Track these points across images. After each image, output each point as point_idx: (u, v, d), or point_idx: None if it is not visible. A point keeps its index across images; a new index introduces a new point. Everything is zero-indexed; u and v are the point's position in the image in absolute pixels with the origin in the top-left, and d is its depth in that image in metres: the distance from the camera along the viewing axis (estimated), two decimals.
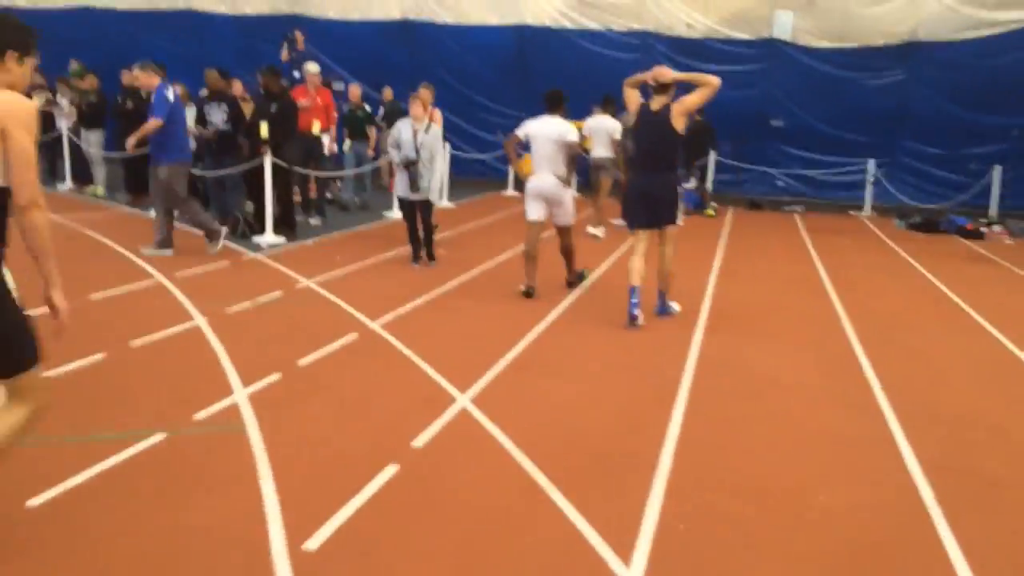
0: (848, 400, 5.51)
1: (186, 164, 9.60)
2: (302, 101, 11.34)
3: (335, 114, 12.40)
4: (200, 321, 6.67)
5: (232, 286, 7.94)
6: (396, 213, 12.55)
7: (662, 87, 7.12)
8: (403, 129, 9.12)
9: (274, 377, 5.42)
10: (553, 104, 8.06)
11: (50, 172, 15.02)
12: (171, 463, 4.13)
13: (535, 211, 8.08)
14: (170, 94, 9.22)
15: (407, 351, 6.08)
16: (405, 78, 20.19)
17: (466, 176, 18.89)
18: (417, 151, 9.01)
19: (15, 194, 2.91)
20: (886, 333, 7.24)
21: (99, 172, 14.10)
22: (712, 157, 17.09)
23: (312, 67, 12.21)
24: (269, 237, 10.35)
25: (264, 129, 10.40)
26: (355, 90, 13.40)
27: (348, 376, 5.55)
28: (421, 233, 9.25)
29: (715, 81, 6.98)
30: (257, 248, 9.96)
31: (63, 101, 14.49)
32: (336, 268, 8.93)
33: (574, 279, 8.59)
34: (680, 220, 7.67)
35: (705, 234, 12.80)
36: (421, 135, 9.05)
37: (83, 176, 14.46)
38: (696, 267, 9.98)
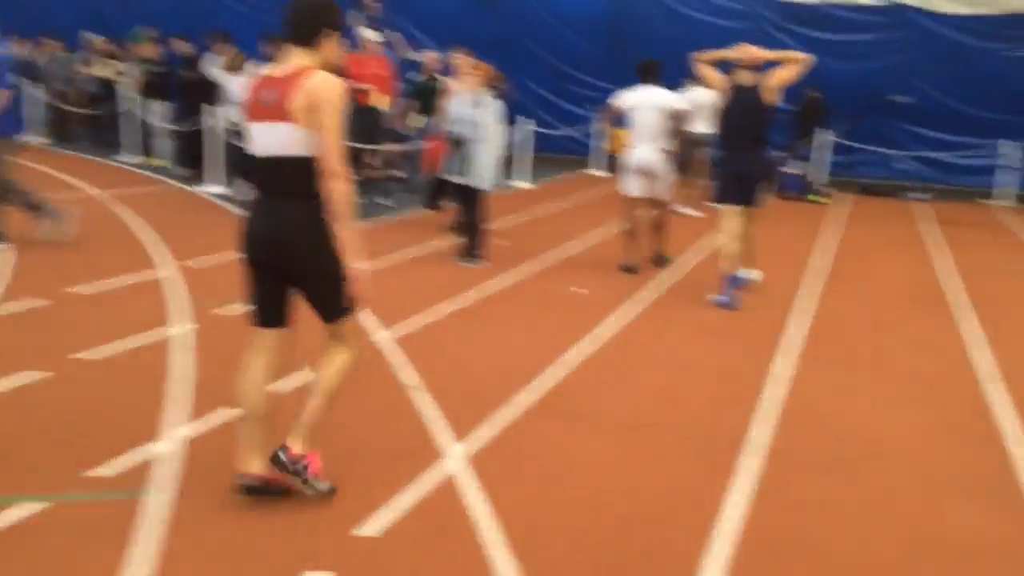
0: (982, 483, 4.08)
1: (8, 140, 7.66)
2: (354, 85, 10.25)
3: (396, 84, 11.21)
4: (177, 329, 5.64)
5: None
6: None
7: (747, 62, 6.87)
8: (459, 102, 7.98)
9: (218, 416, 4.22)
10: (649, 74, 7.76)
11: (113, 143, 14.49)
12: (38, 545, 3.10)
13: (635, 186, 7.83)
14: None
15: (406, 376, 4.95)
16: (490, 48, 19.12)
17: (554, 153, 17.64)
18: (472, 128, 7.82)
19: (324, 162, 3.17)
20: None
21: (163, 144, 13.40)
22: (825, 136, 15.33)
23: (369, 33, 11.10)
24: None
25: None
26: (431, 57, 12.03)
27: None
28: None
29: (806, 59, 6.78)
30: None
31: (130, 69, 13.89)
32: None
33: (659, 259, 8.20)
34: (766, 199, 7.36)
35: (806, 224, 11.21)
36: (477, 109, 7.86)
37: (146, 149, 13.84)
38: (789, 266, 8.51)
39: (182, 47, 12.18)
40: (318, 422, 3.41)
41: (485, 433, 4.24)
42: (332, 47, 3.30)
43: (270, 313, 3.39)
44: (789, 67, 6.78)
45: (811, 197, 13.60)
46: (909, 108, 16.37)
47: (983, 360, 5.86)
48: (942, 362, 5.83)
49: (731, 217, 7.00)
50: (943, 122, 16.19)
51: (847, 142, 16.03)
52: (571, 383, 5.05)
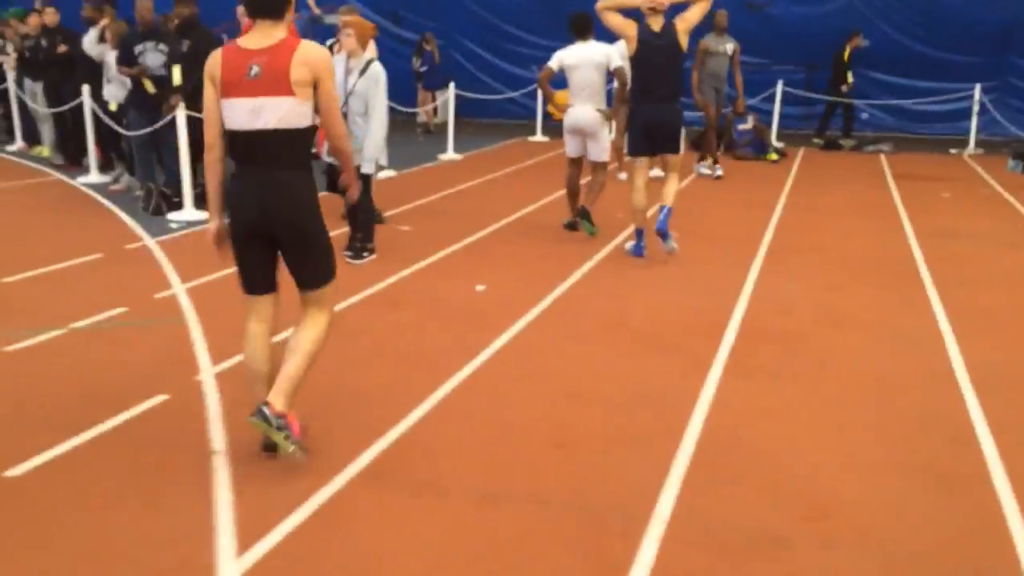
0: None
1: None
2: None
3: None
4: None
5: (66, 297, 5.75)
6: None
7: (656, 7, 6.49)
8: (338, 69, 6.72)
9: None
10: (582, 29, 7.33)
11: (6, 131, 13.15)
12: None
13: (573, 147, 7.59)
14: None
15: (215, 434, 3.81)
16: (422, 6, 17.81)
17: (497, 118, 16.45)
18: (347, 100, 6.59)
19: (329, 133, 3.43)
20: (1012, 367, 4.68)
21: (46, 130, 12.02)
22: (779, 86, 14.19)
23: None
24: (187, 213, 8.15)
25: (176, 73, 8.13)
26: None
27: (84, 498, 3.31)
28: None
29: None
30: (164, 229, 7.77)
31: (7, 46, 12.48)
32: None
33: (583, 211, 7.56)
34: (682, 149, 7.25)
35: (761, 190, 10.08)
36: (355, 77, 6.62)
37: (31, 136, 12.49)
38: (738, 244, 7.40)
39: (50, 18, 10.77)
40: (301, 383, 3.47)
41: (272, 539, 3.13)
42: (344, 38, 3.78)
43: (263, 280, 3.48)
44: (697, 6, 6.52)
45: (767, 156, 12.47)
46: (871, 52, 15.22)
47: (958, 362, 4.80)
48: (906, 366, 4.74)
49: (641, 170, 6.85)
50: (908, 67, 15.09)
51: (805, 93, 14.94)
52: (427, 433, 3.93)
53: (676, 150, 6.86)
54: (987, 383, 4.45)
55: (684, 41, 6.54)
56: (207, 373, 4.49)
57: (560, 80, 7.50)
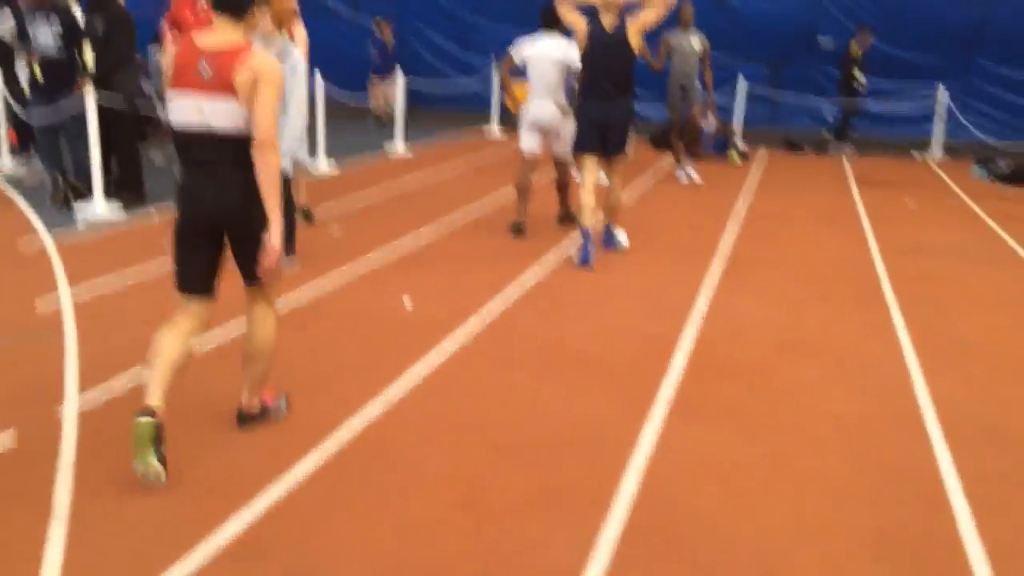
0: None
1: None
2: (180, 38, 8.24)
3: None
4: None
5: None
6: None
7: (609, 4, 6.34)
8: None
9: None
10: (550, 20, 7.02)
11: None
12: None
13: (530, 142, 7.29)
14: None
15: (61, 487, 3.20)
16: None
17: (456, 109, 15.80)
18: None
19: (257, 140, 3.21)
20: (984, 405, 4.21)
21: None
22: (740, 84, 13.72)
23: None
24: (97, 208, 7.46)
25: (87, 53, 7.43)
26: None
27: None
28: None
29: (668, 1, 6.34)
30: (67, 226, 7.08)
31: None
32: (148, 261, 6.04)
33: (565, 215, 7.71)
34: (629, 150, 6.79)
35: (720, 194, 9.60)
36: None
37: None
38: (693, 256, 6.89)
39: None
40: (266, 379, 3.63)
41: None
42: (258, 18, 3.37)
43: (201, 281, 3.43)
44: (653, 9, 6.32)
45: (729, 156, 12.00)
46: (835, 52, 14.82)
47: (926, 401, 4.31)
48: (871, 406, 4.24)
49: (589, 168, 6.58)
50: (872, 65, 14.70)
51: (768, 91, 14.51)
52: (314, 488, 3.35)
53: (621, 150, 6.61)
54: (958, 427, 3.96)
55: (636, 41, 6.37)
56: (70, 405, 3.86)
57: (520, 71, 7.22)
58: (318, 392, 4.11)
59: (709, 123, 12.14)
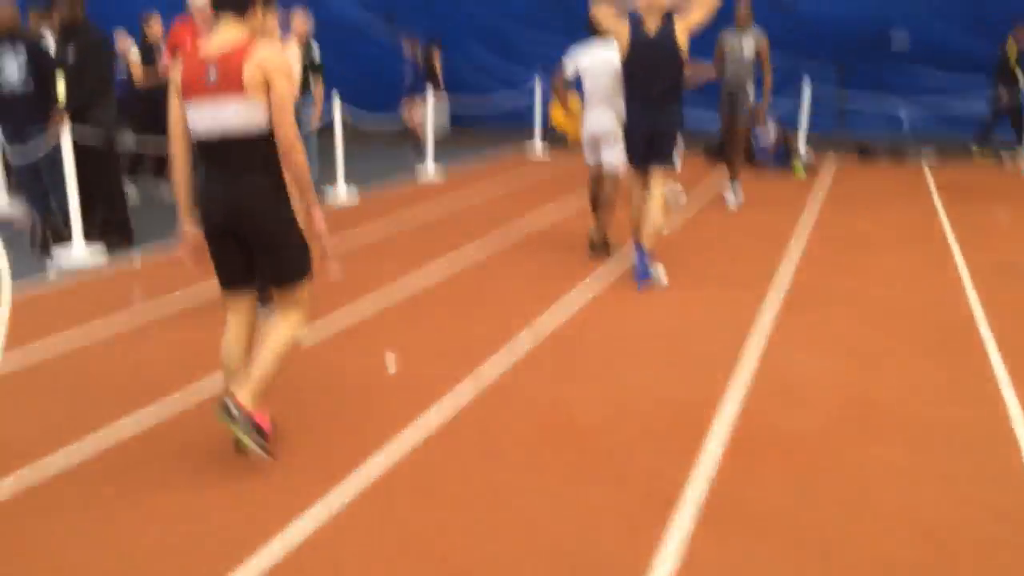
0: None
1: None
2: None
3: None
4: None
5: None
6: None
7: (652, 5, 5.80)
8: None
9: None
10: (593, 26, 6.43)
11: None
12: None
13: (589, 155, 6.88)
14: None
15: None
16: (416, 8, 16.38)
17: (499, 126, 14.96)
18: None
19: (277, 137, 3.18)
20: None
21: None
22: (806, 87, 12.54)
23: None
24: (76, 252, 6.75)
25: (60, 87, 6.74)
26: (301, 20, 8.97)
27: None
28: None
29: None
30: (38, 274, 6.37)
31: None
32: (111, 314, 5.27)
33: (597, 244, 6.92)
34: (678, 163, 6.33)
35: (780, 214, 8.48)
36: None
37: None
38: (743, 292, 5.83)
39: None
40: (270, 382, 3.40)
41: None
42: (264, 15, 3.29)
43: (239, 276, 3.44)
44: (699, 9, 5.75)
45: (794, 170, 10.85)
46: (911, 48, 13.52)
47: None
48: (970, 511, 3.16)
49: (638, 181, 6.19)
50: (954, 62, 13.37)
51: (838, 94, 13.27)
52: None
53: (664, 160, 6.01)
54: None
55: (683, 40, 5.79)
56: None
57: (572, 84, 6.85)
58: (241, 499, 3.21)
59: (768, 132, 11.01)
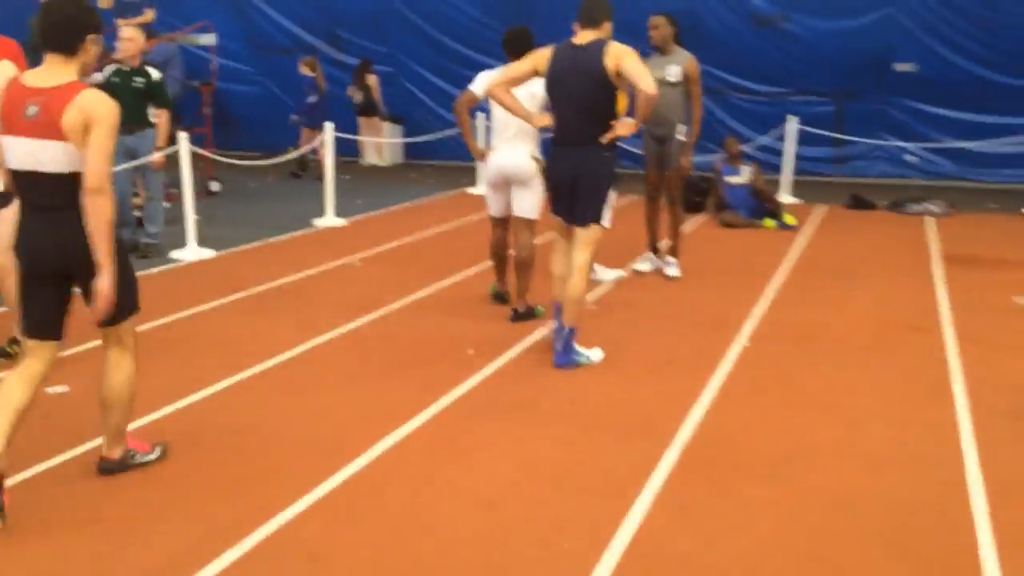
0: None
1: None
2: None
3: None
4: None
5: None
6: (192, 254, 7.35)
7: (590, 19, 4.73)
8: None
9: None
10: (517, 47, 5.52)
11: None
12: None
13: (497, 203, 5.87)
14: None
15: None
16: (360, 24, 14.74)
17: (451, 160, 13.30)
18: None
19: (87, 179, 3.07)
20: None
21: None
22: (790, 125, 10.77)
23: None
24: None
25: None
26: (129, 36, 7.14)
27: None
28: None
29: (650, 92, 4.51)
30: None
31: None
32: None
33: (523, 309, 5.81)
34: (607, 220, 4.92)
35: (734, 286, 6.67)
36: None
37: None
38: (647, 432, 4.03)
39: None
40: (125, 426, 3.51)
41: None
42: (91, 51, 3.20)
43: (49, 325, 3.32)
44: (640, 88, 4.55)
45: (765, 222, 9.03)
46: (918, 78, 11.72)
47: None
48: None
49: (562, 237, 5.10)
50: (965, 96, 11.55)
51: (829, 133, 11.46)
52: None
53: (586, 219, 4.84)
54: None
55: (613, 65, 4.58)
56: None
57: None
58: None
59: (742, 177, 9.22)
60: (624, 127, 4.70)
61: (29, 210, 3.20)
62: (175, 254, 7.37)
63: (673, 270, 6.97)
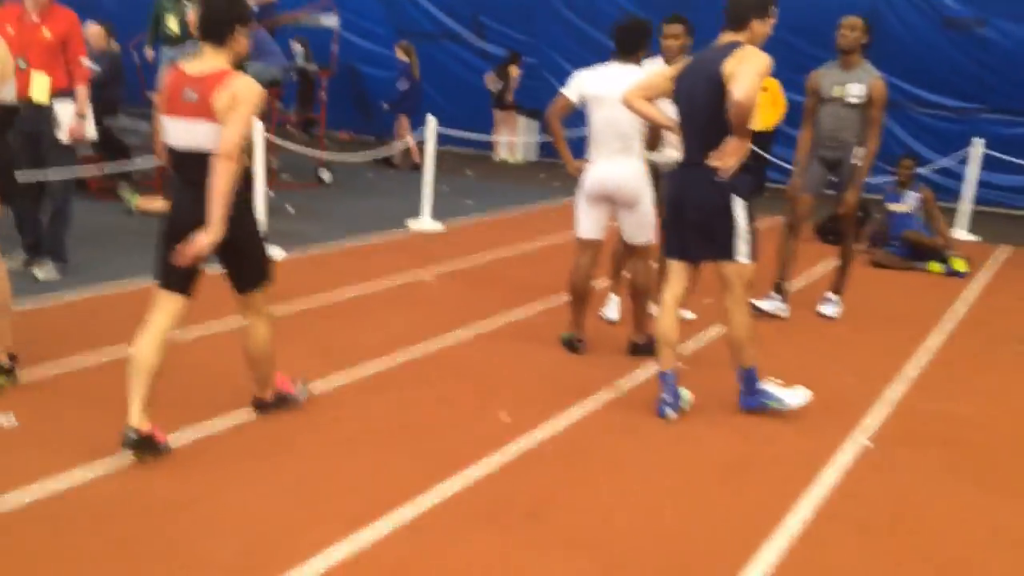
0: None
1: None
2: None
3: (85, 63, 6.01)
4: None
5: None
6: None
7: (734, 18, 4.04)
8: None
9: None
10: (628, 44, 4.76)
11: None
12: None
13: (590, 222, 4.93)
14: None
15: None
16: (510, 13, 13.87)
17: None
18: None
19: (222, 145, 3.34)
20: None
21: None
22: (975, 148, 9.12)
23: None
24: None
25: None
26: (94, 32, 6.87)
27: None
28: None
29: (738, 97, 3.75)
30: None
31: None
32: None
33: (643, 340, 4.97)
34: (744, 255, 4.07)
35: (887, 336, 5.39)
36: None
37: None
38: (759, 493, 2.95)
39: None
40: (271, 374, 3.90)
41: None
42: (241, 41, 3.50)
43: (180, 279, 3.52)
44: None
45: (929, 266, 7.52)
46: None
47: None
48: None
49: (673, 277, 4.25)
50: None
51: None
52: None
53: (724, 253, 4.09)
54: None
55: (731, 71, 3.84)
56: None
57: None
58: None
59: (905, 205, 7.74)
60: (730, 153, 3.88)
61: (180, 183, 3.53)
62: None
63: (831, 308, 6.02)
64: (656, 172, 5.04)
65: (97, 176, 7.87)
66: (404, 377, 4.57)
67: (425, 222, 8.27)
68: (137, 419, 3.38)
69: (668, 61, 5.10)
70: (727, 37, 4.04)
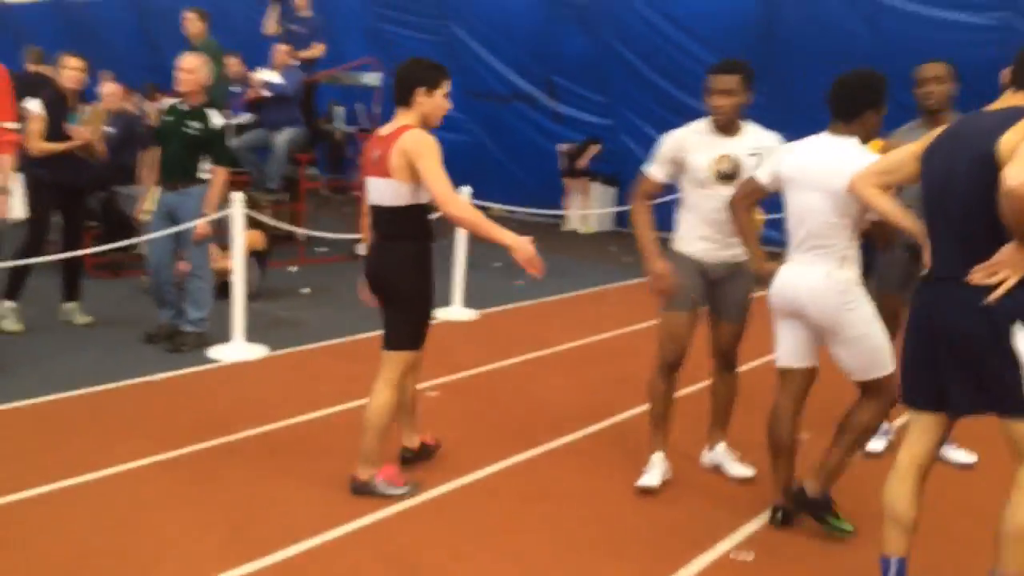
0: None
1: None
2: None
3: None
4: None
5: None
6: (234, 353, 5.69)
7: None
8: None
9: None
10: (849, 108, 3.51)
11: None
12: None
13: (789, 343, 3.66)
14: None
15: None
16: (583, 71, 12.75)
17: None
18: None
19: (436, 200, 3.55)
20: None
21: None
22: None
23: None
24: None
25: None
26: (191, 63, 5.60)
27: None
28: None
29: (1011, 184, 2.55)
30: None
31: None
32: None
33: (824, 498, 3.62)
34: None
35: None
36: None
37: None
38: None
39: None
40: (373, 453, 3.74)
41: None
42: (428, 102, 3.63)
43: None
44: None
45: None
46: None
47: None
48: None
49: (918, 431, 3.03)
50: None
51: None
52: None
53: (1009, 405, 2.75)
54: None
55: (1013, 149, 2.61)
56: None
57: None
58: None
59: None
60: (1005, 264, 2.71)
61: (373, 237, 3.77)
62: (214, 351, 5.70)
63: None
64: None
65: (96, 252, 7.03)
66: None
67: (454, 311, 7.11)
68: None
69: (929, 118, 3.94)
70: (1014, 99, 2.86)
